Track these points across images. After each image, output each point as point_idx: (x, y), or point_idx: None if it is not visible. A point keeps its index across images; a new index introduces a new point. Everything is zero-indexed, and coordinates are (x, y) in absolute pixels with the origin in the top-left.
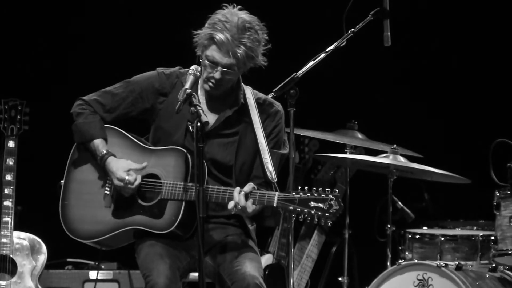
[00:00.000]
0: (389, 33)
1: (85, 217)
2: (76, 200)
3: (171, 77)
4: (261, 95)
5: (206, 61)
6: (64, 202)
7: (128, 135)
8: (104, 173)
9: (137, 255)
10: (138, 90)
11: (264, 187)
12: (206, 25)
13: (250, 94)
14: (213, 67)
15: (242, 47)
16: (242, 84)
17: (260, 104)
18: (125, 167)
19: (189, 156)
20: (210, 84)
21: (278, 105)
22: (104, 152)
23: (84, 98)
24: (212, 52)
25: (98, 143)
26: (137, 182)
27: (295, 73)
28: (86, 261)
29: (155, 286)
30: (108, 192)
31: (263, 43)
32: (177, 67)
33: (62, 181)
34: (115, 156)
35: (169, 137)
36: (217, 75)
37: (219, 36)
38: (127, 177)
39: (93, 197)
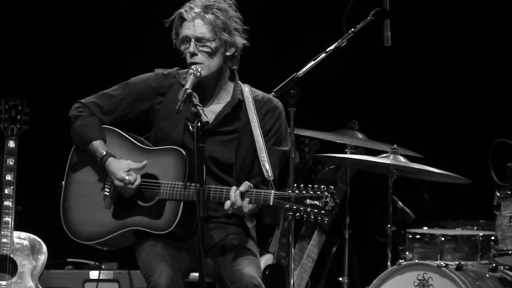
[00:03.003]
0: (389, 33)
1: (86, 219)
2: (77, 202)
3: (169, 77)
4: (259, 92)
5: (182, 46)
6: (65, 204)
7: (126, 135)
8: (103, 175)
9: (138, 255)
10: (136, 91)
11: (265, 186)
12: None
13: (248, 91)
14: (187, 43)
15: (210, 12)
16: (240, 82)
17: (258, 101)
18: (125, 167)
19: (185, 155)
20: (193, 68)
21: (276, 102)
22: (104, 153)
23: (82, 100)
24: (184, 30)
25: (97, 144)
26: (137, 182)
27: (295, 73)
28: (86, 261)
29: (157, 286)
30: (107, 193)
31: (235, 16)
32: (175, 68)
33: (63, 182)
34: (114, 157)
35: (169, 136)
36: (191, 48)
37: (186, 10)
38: (127, 177)
39: (93, 199)
